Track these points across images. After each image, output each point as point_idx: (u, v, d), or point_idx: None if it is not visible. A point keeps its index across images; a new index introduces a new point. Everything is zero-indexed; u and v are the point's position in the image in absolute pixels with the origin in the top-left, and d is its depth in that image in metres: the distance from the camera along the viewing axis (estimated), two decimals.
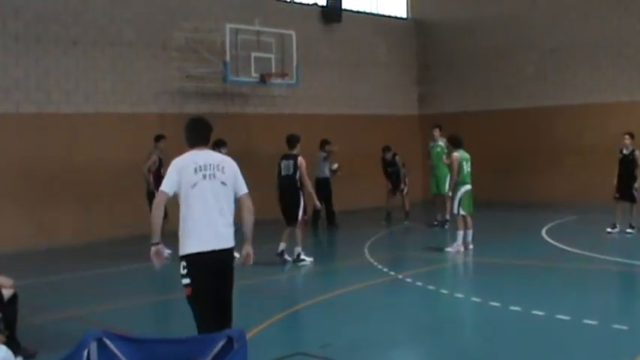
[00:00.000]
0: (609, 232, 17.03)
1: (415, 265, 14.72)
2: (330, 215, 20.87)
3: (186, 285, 7.12)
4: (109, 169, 18.95)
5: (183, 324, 8.85)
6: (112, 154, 19.08)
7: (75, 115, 18.77)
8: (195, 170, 7.14)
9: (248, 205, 7.38)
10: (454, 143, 15.70)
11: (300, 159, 14.52)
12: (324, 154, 20.45)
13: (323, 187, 20.17)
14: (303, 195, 14.60)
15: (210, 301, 7.20)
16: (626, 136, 17.10)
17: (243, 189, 7.41)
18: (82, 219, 18.64)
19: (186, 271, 7.10)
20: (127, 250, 16.92)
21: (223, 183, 7.23)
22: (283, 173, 14.62)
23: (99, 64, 19.33)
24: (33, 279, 13.21)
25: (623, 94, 23.37)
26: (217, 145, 15.41)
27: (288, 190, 14.59)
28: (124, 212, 18.89)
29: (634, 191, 16.90)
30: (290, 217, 14.60)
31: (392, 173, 20.86)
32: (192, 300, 7.16)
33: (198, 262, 7.07)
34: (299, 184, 14.51)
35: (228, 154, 15.53)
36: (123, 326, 9.00)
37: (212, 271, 7.11)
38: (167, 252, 16.13)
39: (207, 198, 7.11)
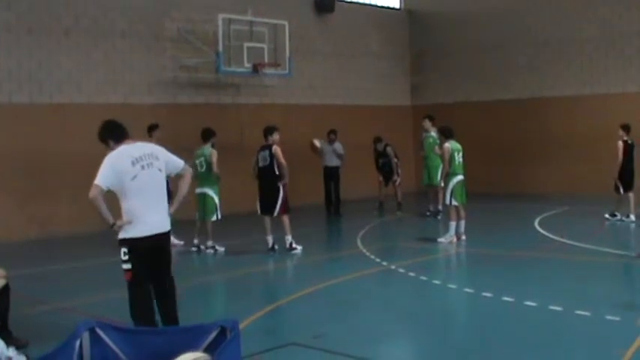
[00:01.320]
0: (623, 220, 17.36)
1: (408, 255, 14.72)
2: (337, 203, 21.26)
3: (127, 270, 7.72)
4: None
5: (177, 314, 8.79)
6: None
7: (67, 105, 18.72)
8: (133, 163, 7.72)
9: (190, 172, 8.35)
10: (445, 134, 15.72)
11: (274, 147, 14.61)
12: (329, 143, 21.10)
13: (332, 174, 21.15)
14: (282, 183, 14.70)
15: (149, 284, 7.84)
16: (620, 129, 17.41)
17: (181, 162, 8.21)
18: (75, 209, 18.59)
19: (127, 257, 7.69)
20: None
21: (160, 170, 7.87)
22: (261, 164, 14.72)
23: (91, 55, 19.28)
24: (26, 270, 13.20)
25: (616, 86, 23.41)
26: (208, 135, 15.42)
27: (267, 180, 14.71)
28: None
29: (615, 180, 17.30)
30: (271, 206, 14.70)
31: (383, 165, 20.88)
32: (132, 284, 7.76)
33: (140, 246, 7.67)
34: (277, 172, 14.60)
35: (219, 144, 15.71)
36: (116, 317, 9.00)
37: (151, 253, 7.76)
38: (178, 242, 16.18)
39: (148, 187, 7.74)
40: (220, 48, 19.85)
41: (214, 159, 15.00)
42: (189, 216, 16.26)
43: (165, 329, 6.78)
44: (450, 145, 15.33)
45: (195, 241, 15.31)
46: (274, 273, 13.96)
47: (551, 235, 15.83)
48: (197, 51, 20.53)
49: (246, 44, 20.36)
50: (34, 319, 9.76)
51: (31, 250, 16.36)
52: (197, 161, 15.14)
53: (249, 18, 20.58)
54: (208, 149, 15.16)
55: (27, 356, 7.10)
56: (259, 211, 14.94)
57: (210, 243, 15.15)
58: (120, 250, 7.75)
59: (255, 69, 20.58)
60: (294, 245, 14.77)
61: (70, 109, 18.75)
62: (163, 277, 7.99)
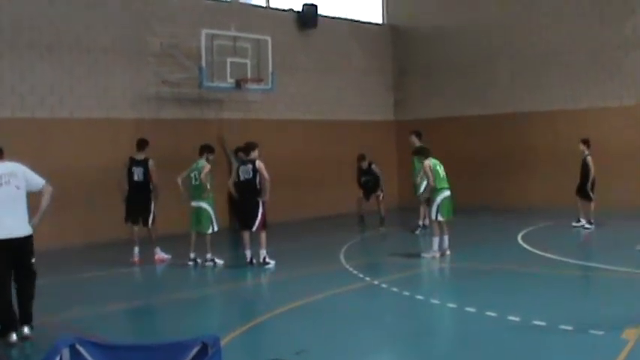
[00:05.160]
0: (574, 226, 19.11)
1: (391, 270, 14.73)
2: None
3: None
4: (85, 175, 18.80)
5: (159, 330, 8.79)
6: (87, 160, 18.94)
7: (50, 120, 18.63)
8: None
9: (49, 190, 9.89)
10: (422, 154, 15.85)
11: (258, 162, 14.78)
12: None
13: None
14: (262, 199, 14.82)
15: (5, 280, 9.15)
16: (580, 143, 19.13)
17: (41, 180, 9.84)
18: (56, 225, 18.41)
19: None
20: (101, 256, 16.83)
21: (17, 187, 9.46)
22: (242, 178, 14.82)
23: (74, 70, 19.20)
24: None
25: (597, 101, 23.53)
26: (202, 149, 15.52)
27: (248, 194, 14.81)
28: (98, 218, 18.76)
29: (588, 191, 18.89)
30: (250, 220, 14.77)
31: (366, 182, 20.74)
32: None
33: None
34: (258, 187, 14.70)
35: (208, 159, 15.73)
36: (97, 332, 8.93)
37: (9, 254, 9.14)
38: (167, 257, 16.23)
39: (6, 199, 9.25)
40: (203, 63, 19.85)
41: (204, 171, 15.09)
42: (175, 231, 16.28)
43: (147, 345, 6.71)
44: (429, 161, 15.38)
45: (192, 255, 15.25)
46: (256, 288, 13.93)
47: (534, 250, 15.85)
48: (180, 66, 20.52)
49: (229, 59, 20.38)
50: None
51: None
52: (191, 174, 15.28)
53: (232, 33, 20.60)
54: (202, 162, 15.27)
55: None
56: (238, 226, 15.00)
57: (209, 256, 15.18)
58: None
59: (238, 84, 20.60)
60: (267, 260, 14.81)
61: (52, 124, 18.65)
62: (21, 277, 9.35)
